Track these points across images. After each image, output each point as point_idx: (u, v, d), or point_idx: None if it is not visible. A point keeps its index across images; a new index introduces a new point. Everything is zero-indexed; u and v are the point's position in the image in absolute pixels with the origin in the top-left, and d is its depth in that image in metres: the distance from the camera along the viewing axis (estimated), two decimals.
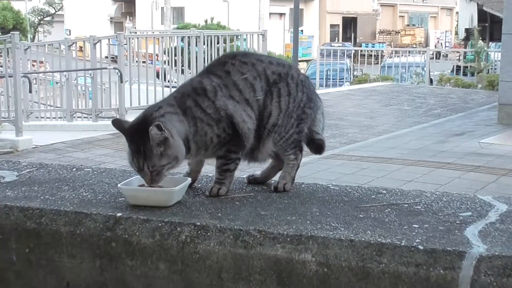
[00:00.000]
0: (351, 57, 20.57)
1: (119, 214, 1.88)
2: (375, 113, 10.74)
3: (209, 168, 2.34)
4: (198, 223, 1.79)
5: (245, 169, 2.44)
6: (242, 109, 2.07)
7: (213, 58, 10.71)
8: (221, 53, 10.68)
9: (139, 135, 1.91)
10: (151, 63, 11.28)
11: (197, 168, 2.21)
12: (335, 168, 6.43)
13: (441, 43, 46.89)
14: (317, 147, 2.30)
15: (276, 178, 2.28)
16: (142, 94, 9.80)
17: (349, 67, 19.64)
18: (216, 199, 2.05)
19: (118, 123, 2.03)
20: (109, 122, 8.70)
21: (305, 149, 2.30)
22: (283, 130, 2.14)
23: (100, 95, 10.16)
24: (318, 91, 2.39)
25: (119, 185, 2.02)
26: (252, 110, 2.09)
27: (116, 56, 10.87)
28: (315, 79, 15.42)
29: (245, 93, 2.09)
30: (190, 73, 10.78)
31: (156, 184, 1.97)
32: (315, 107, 2.24)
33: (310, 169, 6.08)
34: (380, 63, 18.53)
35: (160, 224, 1.81)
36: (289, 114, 2.14)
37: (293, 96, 2.15)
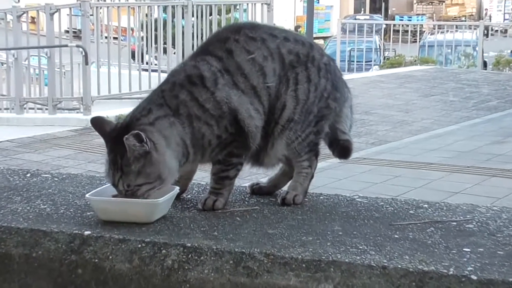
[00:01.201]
0: (381, 33, 20.59)
1: (87, 233, 1.89)
2: (412, 106, 10.75)
3: (202, 175, 2.36)
4: (189, 244, 1.80)
5: (245, 177, 2.45)
6: (249, 101, 2.08)
7: (204, 34, 10.73)
8: (214, 27, 10.69)
9: (120, 143, 1.93)
10: (125, 40, 11.30)
11: (188, 175, 2.22)
12: (361, 176, 6.44)
13: (490, 15, 46.62)
14: (343, 150, 2.31)
15: (286, 188, 2.29)
16: (114, 79, 9.82)
17: (378, 46, 19.63)
18: (211, 214, 2.06)
19: (99, 123, 2.05)
20: (70, 115, 8.61)
21: (325, 152, 2.32)
22: (299, 128, 2.14)
23: (59, 80, 10.18)
24: None
25: (87, 196, 2.03)
26: (260, 102, 2.10)
27: (79, 30, 10.86)
28: (335, 60, 15.41)
29: (252, 78, 2.09)
30: (174, 53, 10.79)
31: None
32: (341, 98, 2.25)
33: (329, 177, 6.09)
34: (419, 41, 18.51)
35: (139, 246, 1.82)
36: (308, 107, 2.15)
37: (315, 84, 2.16)
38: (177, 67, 2.16)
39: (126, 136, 1.90)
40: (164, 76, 8.39)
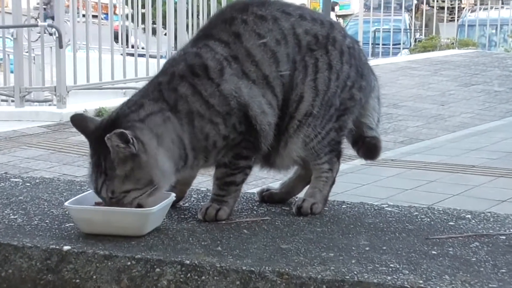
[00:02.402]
0: (411, 10, 20.57)
1: (66, 248, 1.90)
2: (449, 97, 10.73)
3: (201, 179, 2.37)
4: (187, 262, 1.81)
5: (250, 182, 2.46)
6: (261, 93, 2.10)
7: (200, 12, 10.73)
8: (213, 4, 10.70)
9: (104, 143, 1.94)
10: (106, 19, 11.30)
11: (186, 180, 2.24)
12: (389, 181, 6.42)
13: None
14: (369, 148, 2.33)
15: (301, 195, 2.30)
16: (93, 65, 9.83)
17: (408, 26, 19.61)
18: (214, 226, 2.07)
19: (80, 121, 2.06)
20: (41, 108, 8.55)
21: (347, 152, 2.32)
22: (318, 124, 2.16)
23: (28, 66, 10.19)
24: None
25: (65, 204, 2.04)
26: (273, 94, 2.11)
27: (51, 6, 10.86)
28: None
29: (264, 67, 2.11)
30: (165, 33, 10.81)
31: None
32: (367, 88, 2.27)
33: (352, 181, 6.08)
34: (457, 20, 18.48)
35: (129, 263, 1.84)
36: (329, 99, 2.16)
37: (336, 71, 2.17)
38: (175, 55, 2.17)
39: (108, 135, 1.91)
40: (152, 62, 8.26)
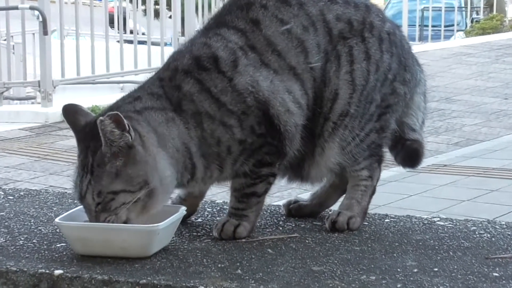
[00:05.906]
0: None
1: (58, 272, 1.92)
2: None
3: (216, 190, 2.38)
4: (202, 287, 1.83)
5: (274, 193, 2.47)
6: (285, 88, 2.12)
7: None
8: None
9: (93, 139, 1.98)
10: (100, 0, 11.35)
11: (197, 192, 2.26)
12: (441, 190, 6.41)
13: None
14: (410, 154, 2.34)
15: (336, 207, 2.32)
16: (84, 55, 9.87)
17: (462, 5, 19.57)
18: (232, 245, 2.09)
19: (72, 113, 2.10)
20: (22, 107, 8.58)
21: (389, 156, 2.34)
22: (356, 125, 2.18)
23: (7, 57, 10.26)
24: None
25: (56, 220, 2.06)
26: (303, 91, 2.14)
27: None
28: (401, 27, 15.31)
29: (289, 57, 2.14)
30: (170, 17, 10.84)
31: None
32: (412, 81, 2.29)
33: (397, 192, 6.07)
34: None
35: None
36: (368, 95, 2.19)
37: (375, 61, 2.20)
38: (181, 47, 2.20)
39: (100, 118, 1.94)
40: (155, 50, 8.29)
